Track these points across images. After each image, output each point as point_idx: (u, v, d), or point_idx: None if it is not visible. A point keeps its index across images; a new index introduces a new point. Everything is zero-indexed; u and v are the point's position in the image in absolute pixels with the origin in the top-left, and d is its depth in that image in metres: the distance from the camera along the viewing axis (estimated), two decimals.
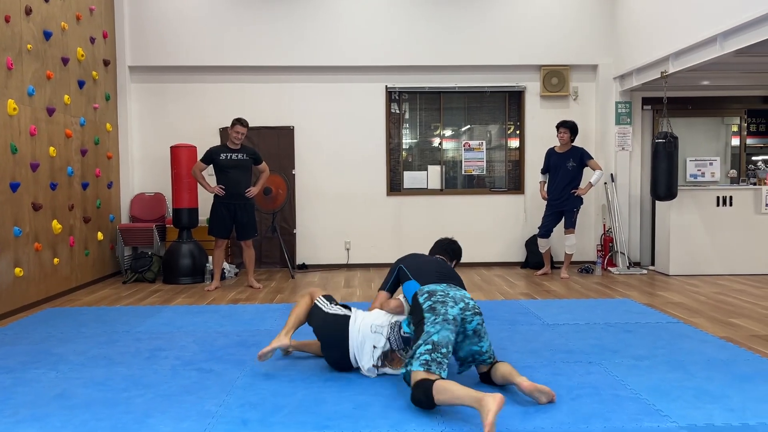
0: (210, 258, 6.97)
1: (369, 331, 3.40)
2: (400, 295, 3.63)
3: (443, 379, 2.87)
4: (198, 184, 6.63)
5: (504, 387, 3.19)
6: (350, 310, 3.56)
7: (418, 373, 2.89)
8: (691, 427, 2.76)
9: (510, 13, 7.90)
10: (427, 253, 3.91)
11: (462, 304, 3.13)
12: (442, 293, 3.17)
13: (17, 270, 5.31)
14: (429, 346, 2.95)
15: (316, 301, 3.62)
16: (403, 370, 3.09)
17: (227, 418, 2.89)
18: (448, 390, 2.76)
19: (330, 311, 3.53)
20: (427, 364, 2.89)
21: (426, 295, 3.19)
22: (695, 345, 4.09)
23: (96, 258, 6.94)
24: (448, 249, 3.89)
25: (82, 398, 3.18)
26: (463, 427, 2.76)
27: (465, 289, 3.42)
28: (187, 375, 3.53)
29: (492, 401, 2.57)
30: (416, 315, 3.17)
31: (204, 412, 2.97)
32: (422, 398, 2.82)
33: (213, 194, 6.33)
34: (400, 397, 3.13)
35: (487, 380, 3.25)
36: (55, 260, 5.99)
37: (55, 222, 5.96)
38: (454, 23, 7.87)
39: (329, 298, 3.67)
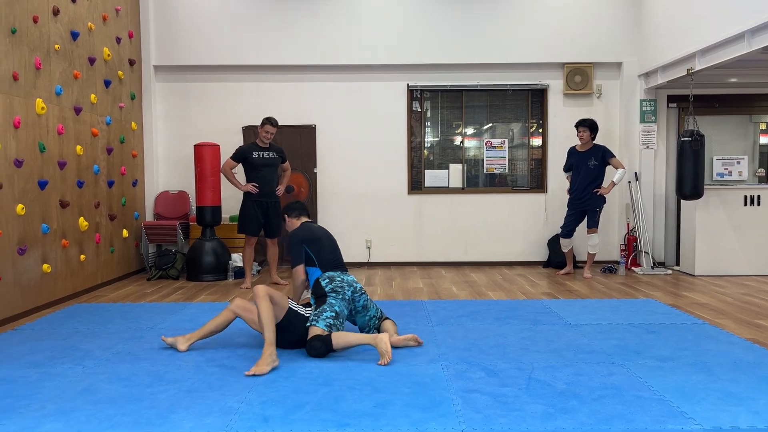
0: (233, 255, 7.03)
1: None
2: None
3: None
4: (222, 181, 6.67)
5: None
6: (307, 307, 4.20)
7: (317, 329, 3.84)
8: (716, 430, 2.72)
9: (533, 11, 7.84)
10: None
11: (353, 288, 4.14)
12: (339, 280, 4.12)
13: (45, 266, 5.42)
14: (333, 314, 3.94)
15: (298, 311, 4.04)
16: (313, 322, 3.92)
17: (249, 414, 2.93)
18: (343, 337, 3.83)
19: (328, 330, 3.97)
20: (330, 327, 3.87)
21: (327, 280, 4.12)
22: (721, 347, 4.03)
23: (121, 255, 7.04)
24: (306, 208, 4.93)
25: (107, 393, 3.23)
26: (484, 426, 2.76)
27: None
28: (210, 371, 3.57)
29: (383, 336, 3.74)
30: (319, 292, 4.09)
31: (226, 408, 3.00)
32: (321, 346, 3.76)
33: (243, 192, 6.37)
34: (421, 395, 3.14)
35: None
36: (82, 257, 6.10)
37: (81, 219, 6.07)
38: (476, 21, 7.83)
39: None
